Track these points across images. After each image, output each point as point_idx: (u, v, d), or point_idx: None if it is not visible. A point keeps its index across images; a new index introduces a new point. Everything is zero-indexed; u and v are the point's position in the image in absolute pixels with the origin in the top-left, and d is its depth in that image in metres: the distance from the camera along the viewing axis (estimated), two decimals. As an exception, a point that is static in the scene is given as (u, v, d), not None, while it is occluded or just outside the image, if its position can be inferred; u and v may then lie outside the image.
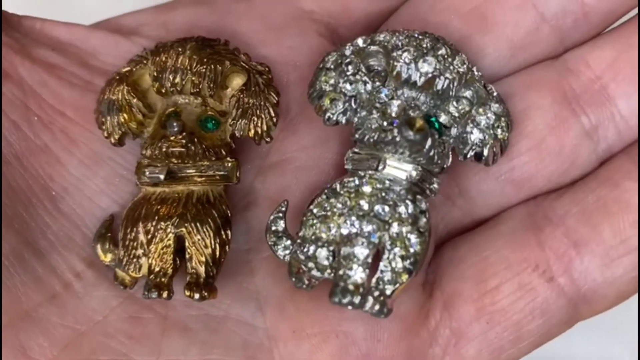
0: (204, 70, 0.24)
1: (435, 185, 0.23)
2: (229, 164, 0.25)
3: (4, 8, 0.26)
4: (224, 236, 0.24)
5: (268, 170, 0.25)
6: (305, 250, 0.23)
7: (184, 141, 0.24)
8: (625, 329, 0.35)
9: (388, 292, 0.22)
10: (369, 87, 0.23)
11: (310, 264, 0.22)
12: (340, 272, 0.22)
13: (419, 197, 0.23)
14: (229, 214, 0.24)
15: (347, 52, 0.24)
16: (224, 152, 0.25)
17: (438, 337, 0.24)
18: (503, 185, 0.25)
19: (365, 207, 0.22)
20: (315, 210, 0.23)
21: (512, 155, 0.24)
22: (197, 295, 0.23)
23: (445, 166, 0.23)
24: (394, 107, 0.23)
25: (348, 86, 0.23)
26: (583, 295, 0.23)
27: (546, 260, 0.23)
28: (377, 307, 0.22)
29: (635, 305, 0.35)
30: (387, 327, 0.24)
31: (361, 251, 0.22)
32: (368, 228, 0.22)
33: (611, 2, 0.24)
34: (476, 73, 0.24)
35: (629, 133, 0.24)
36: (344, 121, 0.23)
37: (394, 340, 0.24)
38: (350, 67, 0.23)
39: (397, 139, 0.22)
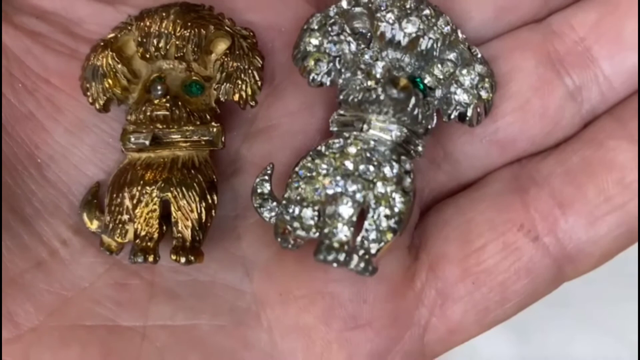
0: (187, 34, 0.24)
1: (420, 147, 0.23)
2: (214, 129, 0.24)
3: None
4: (209, 200, 0.24)
5: (254, 136, 0.25)
6: (291, 210, 0.23)
7: (168, 104, 0.24)
8: (625, 329, 0.36)
9: (373, 251, 0.22)
10: (353, 47, 0.23)
11: (296, 224, 0.22)
12: (326, 231, 0.22)
13: (403, 157, 0.23)
14: (215, 179, 0.24)
15: (331, 13, 0.24)
16: (208, 117, 0.25)
17: (424, 298, 0.24)
18: (487, 147, 0.25)
19: (350, 167, 0.22)
20: (300, 172, 0.23)
21: (496, 116, 0.24)
22: (183, 259, 0.23)
23: (429, 127, 0.23)
24: (379, 68, 0.23)
25: (332, 47, 0.23)
26: (568, 254, 0.24)
27: (531, 220, 0.24)
28: (362, 265, 0.22)
29: (635, 305, 0.35)
30: (373, 288, 0.24)
31: (346, 210, 0.22)
32: (353, 187, 0.22)
33: None
34: (460, 35, 0.24)
35: (612, 94, 0.24)
36: (328, 82, 0.23)
37: (379, 301, 0.24)
38: (334, 28, 0.23)
39: (381, 97, 0.22)
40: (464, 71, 0.23)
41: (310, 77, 0.23)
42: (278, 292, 0.24)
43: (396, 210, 0.22)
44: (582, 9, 0.25)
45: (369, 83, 0.22)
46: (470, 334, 0.24)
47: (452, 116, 0.23)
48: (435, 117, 0.23)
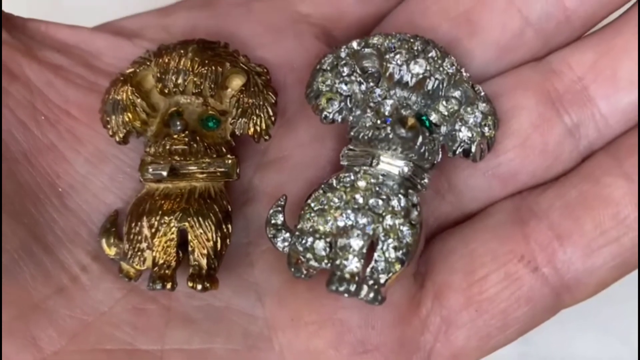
0: (205, 71, 0.25)
1: (426, 180, 0.25)
2: (230, 161, 0.26)
3: (8, 11, 0.27)
4: (224, 230, 0.25)
5: (266, 167, 0.27)
6: (304, 242, 0.24)
7: (186, 139, 0.25)
8: (625, 329, 0.36)
9: (382, 281, 0.23)
10: (363, 87, 0.25)
11: (309, 255, 0.24)
12: (337, 262, 0.23)
13: (410, 191, 0.24)
14: (230, 209, 0.25)
15: (343, 54, 0.25)
16: (224, 150, 0.26)
17: (429, 324, 0.25)
18: (490, 180, 0.26)
19: (360, 200, 0.24)
20: (312, 204, 0.24)
21: (498, 152, 0.25)
22: (199, 286, 0.24)
23: (435, 162, 0.25)
24: (387, 106, 0.24)
25: (344, 86, 0.25)
26: (566, 284, 0.25)
27: (531, 251, 0.25)
28: (371, 294, 0.23)
29: (635, 305, 0.35)
30: (380, 315, 0.25)
31: (356, 242, 0.23)
32: (363, 220, 0.23)
33: (592, 6, 0.26)
34: (464, 74, 0.25)
35: (609, 131, 0.25)
36: (339, 119, 0.25)
37: (387, 327, 0.25)
38: (345, 69, 0.25)
39: (390, 136, 0.23)
40: (468, 109, 0.24)
41: (323, 115, 0.25)
42: (289, 318, 0.25)
43: (404, 242, 0.23)
44: (580, 49, 0.26)
45: (378, 121, 0.24)
46: (472, 358, 0.25)
47: (457, 152, 0.25)
48: (440, 152, 0.25)
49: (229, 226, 0.25)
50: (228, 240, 0.25)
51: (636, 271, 0.36)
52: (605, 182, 0.24)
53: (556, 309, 0.25)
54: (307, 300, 0.25)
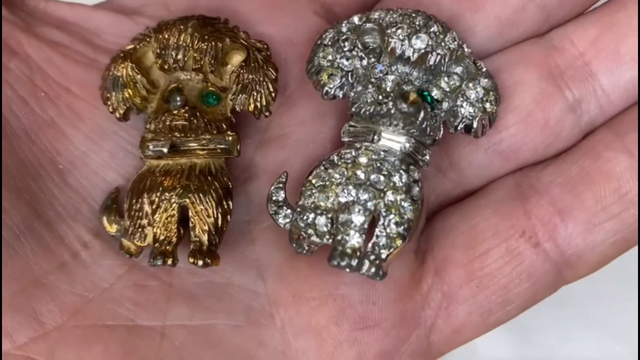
0: (205, 47, 0.25)
1: (427, 157, 0.24)
2: (230, 138, 0.25)
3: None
4: (225, 206, 0.25)
5: (267, 144, 0.26)
6: (305, 218, 0.24)
7: (186, 115, 0.25)
8: (625, 329, 0.36)
9: (383, 256, 0.23)
10: (364, 62, 0.24)
11: (310, 231, 0.24)
12: (339, 238, 0.23)
13: (412, 167, 0.24)
14: (230, 186, 0.25)
15: (344, 29, 0.25)
16: (224, 126, 0.26)
17: (430, 300, 0.25)
18: (491, 156, 0.26)
19: (362, 176, 0.24)
20: (314, 181, 0.24)
21: (500, 128, 0.25)
22: (200, 262, 0.24)
23: (437, 138, 0.24)
24: (389, 82, 0.24)
25: (345, 62, 0.24)
26: (567, 259, 0.25)
27: (532, 227, 0.25)
28: (373, 269, 0.23)
29: (635, 305, 0.35)
30: (381, 291, 0.25)
31: (358, 218, 0.23)
32: (364, 196, 0.23)
33: None
34: (466, 50, 0.25)
35: (610, 107, 0.25)
36: (341, 95, 0.25)
37: (388, 303, 0.25)
38: (346, 44, 0.25)
39: (392, 111, 0.23)
40: (470, 85, 0.24)
41: (324, 91, 0.25)
42: (291, 294, 0.25)
43: (405, 217, 0.23)
44: (582, 25, 0.26)
45: (380, 97, 0.23)
46: (474, 334, 0.25)
47: (459, 128, 0.25)
48: (442, 129, 0.25)
49: (230, 203, 0.25)
50: (229, 216, 0.25)
51: (636, 271, 0.37)
52: (606, 157, 0.24)
53: (557, 285, 0.25)
54: (308, 276, 0.25)
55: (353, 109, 0.24)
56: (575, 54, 0.26)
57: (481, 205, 0.25)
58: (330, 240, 0.23)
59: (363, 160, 0.24)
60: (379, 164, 0.24)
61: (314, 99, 0.26)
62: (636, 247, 0.39)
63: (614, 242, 0.25)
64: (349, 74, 0.24)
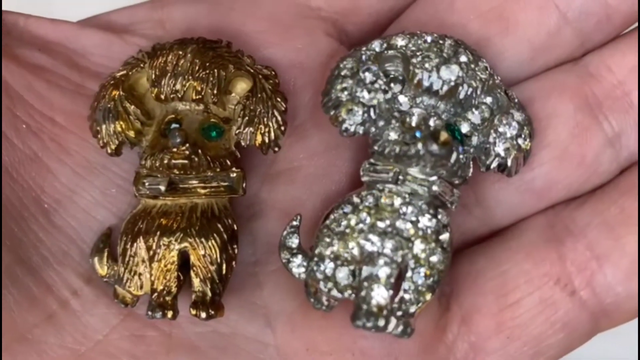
0: (206, 75, 0.23)
1: (456, 197, 0.22)
2: (235, 175, 0.23)
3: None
4: (230, 251, 0.23)
5: (275, 178, 0.24)
6: (323, 269, 0.22)
7: (187, 152, 0.23)
8: (625, 329, 0.35)
9: (412, 311, 0.21)
10: (388, 96, 0.22)
11: (330, 284, 0.21)
12: (362, 294, 0.21)
13: (440, 210, 0.22)
14: (235, 228, 0.23)
15: (364, 58, 0.23)
16: (228, 162, 0.23)
17: (456, 351, 0.23)
18: (523, 195, 0.24)
19: (387, 223, 0.21)
20: (332, 226, 0.22)
21: (533, 165, 0.23)
22: (203, 314, 0.22)
23: (467, 177, 0.22)
24: (415, 117, 0.22)
25: (366, 95, 0.22)
26: (605, 308, 0.23)
27: (568, 274, 0.23)
28: (400, 328, 0.21)
29: None
30: (404, 344, 0.23)
31: (383, 271, 0.21)
32: (389, 245, 0.21)
33: (634, 3, 0.23)
34: (497, 79, 0.23)
35: None
36: (361, 132, 0.22)
37: (411, 357, 0.23)
38: (368, 75, 0.22)
39: (421, 152, 0.21)
40: (503, 119, 0.22)
41: (343, 127, 0.22)
42: (304, 347, 0.23)
43: (435, 269, 0.21)
44: (619, 50, 0.24)
45: (407, 136, 0.21)
46: None
47: (492, 167, 0.22)
48: (472, 166, 0.22)
49: (235, 247, 0.23)
50: (234, 262, 0.23)
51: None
52: None
53: (592, 334, 0.24)
54: (323, 327, 0.23)
55: (375, 147, 0.22)
56: (613, 83, 0.24)
57: (512, 248, 0.24)
58: (353, 296, 0.21)
59: (386, 204, 0.22)
60: (404, 209, 0.21)
61: (326, 128, 0.24)
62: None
63: None
64: (371, 108, 0.22)
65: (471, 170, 0.22)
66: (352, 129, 0.22)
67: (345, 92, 0.22)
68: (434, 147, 0.20)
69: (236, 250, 0.23)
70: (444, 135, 0.20)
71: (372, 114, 0.22)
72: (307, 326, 0.23)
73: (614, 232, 0.23)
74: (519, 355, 0.23)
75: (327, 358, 0.23)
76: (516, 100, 0.23)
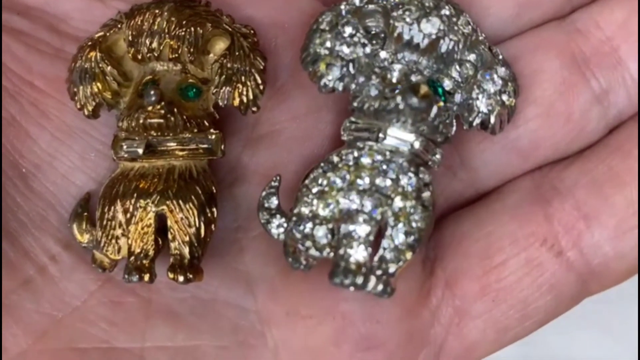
0: (183, 33, 0.22)
1: (438, 156, 0.22)
2: (213, 136, 0.23)
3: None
4: (209, 214, 0.22)
5: (256, 142, 0.24)
6: (302, 228, 0.21)
7: (162, 111, 0.22)
8: (625, 329, 0.35)
9: (391, 270, 0.21)
10: (367, 50, 0.21)
11: (308, 243, 0.21)
12: (341, 252, 0.21)
13: (422, 169, 0.21)
14: (214, 190, 0.23)
15: (343, 12, 0.22)
16: (206, 124, 0.23)
17: (440, 316, 0.23)
18: (508, 154, 0.23)
19: (366, 180, 0.21)
20: (311, 186, 0.21)
21: (518, 122, 0.23)
22: (181, 278, 0.22)
23: (449, 135, 0.22)
24: (395, 72, 0.21)
25: (345, 49, 0.21)
26: (593, 269, 0.22)
27: (554, 234, 0.22)
28: (380, 287, 0.21)
29: (635, 305, 0.35)
30: (386, 307, 0.22)
31: (363, 228, 0.21)
32: (369, 203, 0.21)
33: None
34: (480, 35, 0.22)
35: None
36: (340, 88, 0.22)
37: (394, 320, 0.22)
38: (347, 29, 0.22)
39: (401, 106, 0.20)
40: (486, 75, 0.22)
41: (322, 83, 0.22)
42: (285, 311, 0.23)
43: (416, 226, 0.21)
44: (608, 6, 0.23)
45: (386, 90, 0.21)
46: (488, 351, 0.23)
47: (474, 124, 0.22)
48: (454, 124, 0.22)
49: (214, 210, 0.23)
50: (213, 225, 0.23)
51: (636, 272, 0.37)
52: (637, 155, 0.22)
53: (581, 296, 0.23)
54: (304, 291, 0.23)
55: (355, 104, 0.21)
56: (601, 39, 0.23)
57: (497, 209, 0.23)
58: (331, 254, 0.21)
59: (367, 161, 0.21)
60: (384, 166, 0.21)
61: (308, 90, 0.23)
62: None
63: None
64: (350, 63, 0.21)
65: (454, 128, 0.22)
66: (330, 84, 0.22)
67: (324, 47, 0.22)
68: (414, 100, 0.20)
69: (215, 213, 0.23)
70: (423, 89, 0.20)
71: (351, 68, 0.22)
72: (287, 290, 0.23)
73: (602, 191, 0.22)
74: (506, 318, 0.23)
75: (308, 322, 0.22)
76: (500, 56, 0.22)
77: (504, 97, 0.22)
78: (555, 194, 0.23)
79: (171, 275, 0.22)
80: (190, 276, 0.22)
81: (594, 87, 0.23)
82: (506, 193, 0.23)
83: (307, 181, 0.21)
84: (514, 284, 0.22)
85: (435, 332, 0.23)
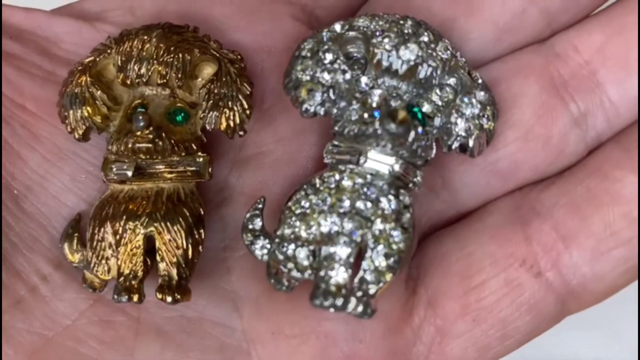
0: (171, 59, 0.23)
1: (419, 178, 0.22)
2: (201, 159, 0.23)
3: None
4: (196, 236, 0.23)
5: (243, 164, 0.24)
6: (284, 249, 0.21)
7: (150, 136, 0.23)
8: (625, 329, 0.35)
9: (371, 292, 0.21)
10: (347, 76, 0.22)
11: (290, 265, 0.21)
12: (321, 273, 0.21)
13: (402, 191, 0.22)
14: (202, 212, 0.23)
15: (324, 39, 0.22)
16: (194, 147, 0.23)
17: (422, 335, 0.23)
18: (488, 176, 0.24)
19: (347, 203, 0.21)
20: (293, 208, 0.22)
21: (497, 145, 0.23)
22: (169, 299, 0.22)
23: (428, 158, 0.22)
24: (375, 97, 0.21)
25: (326, 75, 0.22)
26: (572, 290, 0.23)
27: (533, 254, 0.23)
28: (360, 308, 0.21)
29: (635, 305, 0.34)
30: (369, 326, 0.23)
31: (343, 250, 0.21)
32: (349, 226, 0.21)
33: None
34: (460, 59, 0.23)
35: (619, 121, 0.23)
36: (322, 113, 0.22)
37: (376, 339, 0.23)
38: (328, 55, 0.22)
39: (379, 131, 0.21)
40: (465, 99, 0.22)
41: (303, 108, 0.22)
42: (270, 330, 0.23)
43: (395, 248, 0.21)
44: (587, 30, 0.23)
45: (365, 114, 0.21)
46: None
47: (453, 147, 0.22)
48: (434, 147, 0.22)
49: (202, 231, 0.23)
50: (200, 246, 0.23)
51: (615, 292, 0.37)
52: (615, 177, 0.22)
53: (560, 316, 0.23)
54: (288, 311, 0.23)
55: (336, 128, 0.22)
56: (580, 63, 0.23)
57: (477, 230, 0.23)
58: (312, 276, 0.21)
59: (348, 184, 0.21)
60: (365, 189, 0.21)
61: (294, 113, 0.23)
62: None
63: (623, 271, 0.22)
64: (331, 89, 0.22)
65: (434, 151, 0.22)
66: (312, 109, 0.22)
67: (305, 73, 0.22)
68: (391, 126, 0.20)
69: (202, 235, 0.23)
70: (401, 114, 0.20)
71: (331, 94, 0.22)
72: (272, 310, 0.23)
73: (580, 212, 0.22)
74: (486, 338, 0.23)
75: (292, 341, 0.23)
76: (480, 80, 0.23)
77: (483, 121, 0.22)
78: (535, 215, 0.23)
79: (159, 296, 0.22)
80: (178, 297, 0.22)
81: (572, 111, 0.23)
82: (486, 213, 0.24)
83: (289, 203, 0.22)
84: (494, 304, 0.23)
85: (418, 350, 0.23)
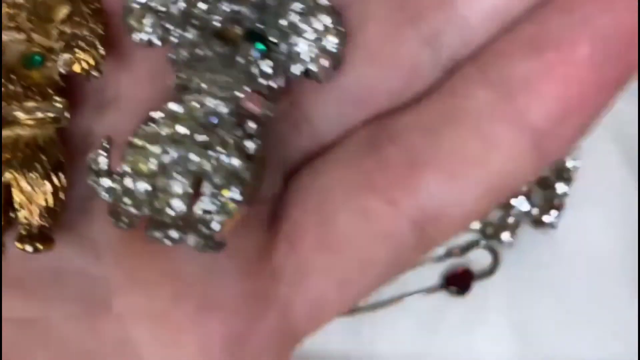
0: (20, 0, 0.23)
1: (267, 109, 0.21)
2: (58, 104, 0.23)
3: None
4: (56, 182, 0.22)
5: (104, 108, 0.24)
6: (123, 184, 0.21)
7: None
8: (625, 329, 0.35)
9: (213, 224, 0.20)
10: (182, 2, 0.21)
11: (126, 199, 0.21)
12: (157, 205, 0.20)
13: (248, 120, 0.21)
14: (62, 159, 0.23)
15: None
16: (50, 92, 0.23)
17: (284, 275, 0.22)
18: (344, 105, 0.22)
19: (183, 131, 0.20)
20: (134, 141, 0.21)
21: (346, 70, 0.22)
22: (29, 247, 0.22)
23: (275, 87, 0.21)
24: (213, 23, 0.21)
25: (158, 1, 0.21)
26: (428, 216, 0.21)
27: (387, 182, 0.21)
28: (201, 240, 0.20)
29: (635, 305, 0.35)
30: (225, 267, 0.22)
31: (178, 181, 0.20)
32: (186, 155, 0.20)
33: None
34: None
35: (474, 38, 0.22)
36: (157, 41, 0.21)
37: (233, 280, 0.22)
38: None
39: (209, 53, 0.20)
40: (309, 22, 0.21)
41: (137, 38, 0.22)
42: (127, 276, 0.22)
43: (237, 177, 0.20)
44: None
45: (197, 40, 0.20)
46: (337, 308, 0.22)
47: (298, 72, 0.21)
48: (283, 77, 0.21)
49: (62, 178, 0.22)
50: (62, 193, 0.22)
51: (636, 271, 0.36)
52: (470, 96, 0.21)
53: (423, 245, 0.22)
54: (144, 254, 0.22)
55: (171, 55, 0.21)
56: None
57: (332, 161, 0.22)
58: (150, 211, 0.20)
59: (187, 113, 0.21)
60: (204, 118, 0.21)
61: (152, 53, 0.23)
62: (636, 246, 0.37)
63: (481, 194, 0.21)
64: (165, 16, 0.21)
65: (282, 80, 0.21)
66: (145, 38, 0.21)
67: (136, 1, 0.21)
68: (219, 48, 0.19)
69: (64, 181, 0.22)
70: (231, 33, 0.19)
71: (165, 22, 0.21)
72: (129, 255, 0.22)
73: (434, 137, 0.21)
74: (346, 272, 0.22)
75: (149, 285, 0.22)
76: (325, 2, 0.22)
77: (327, 44, 0.21)
78: (389, 142, 0.22)
79: (19, 246, 0.22)
80: (39, 245, 0.22)
81: (422, 30, 0.22)
82: (343, 145, 0.23)
83: (130, 137, 0.21)
84: (349, 235, 0.22)
85: (279, 291, 0.22)
